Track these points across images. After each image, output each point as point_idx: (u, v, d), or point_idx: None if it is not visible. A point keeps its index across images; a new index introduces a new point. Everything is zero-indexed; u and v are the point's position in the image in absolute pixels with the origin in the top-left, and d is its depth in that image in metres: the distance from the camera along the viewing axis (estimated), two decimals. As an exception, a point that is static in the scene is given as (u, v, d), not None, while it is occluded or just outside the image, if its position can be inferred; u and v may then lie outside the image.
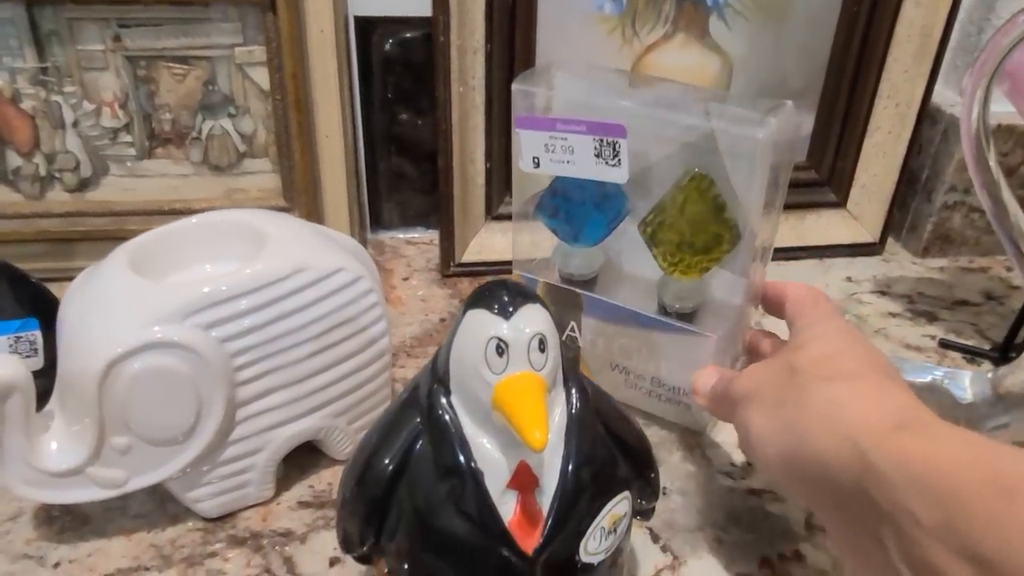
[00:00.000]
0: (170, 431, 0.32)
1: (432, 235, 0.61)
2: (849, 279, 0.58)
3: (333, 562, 0.35)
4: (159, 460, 0.33)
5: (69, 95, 0.50)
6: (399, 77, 0.56)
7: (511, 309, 0.24)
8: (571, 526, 0.26)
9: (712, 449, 0.42)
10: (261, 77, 0.51)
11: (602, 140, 0.35)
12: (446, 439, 0.25)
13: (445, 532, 0.25)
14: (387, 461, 0.26)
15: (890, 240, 0.62)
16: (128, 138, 0.51)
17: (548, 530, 0.25)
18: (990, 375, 0.37)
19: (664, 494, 0.38)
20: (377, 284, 0.38)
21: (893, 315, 0.54)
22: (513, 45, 0.51)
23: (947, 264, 0.61)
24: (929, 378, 0.39)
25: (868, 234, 0.61)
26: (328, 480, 0.39)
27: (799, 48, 0.55)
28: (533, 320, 0.25)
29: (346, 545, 0.28)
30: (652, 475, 0.30)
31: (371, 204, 0.60)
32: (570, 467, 0.26)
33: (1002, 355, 0.49)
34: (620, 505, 0.28)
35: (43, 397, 0.32)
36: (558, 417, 0.26)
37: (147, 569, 0.34)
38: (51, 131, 0.51)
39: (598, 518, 0.27)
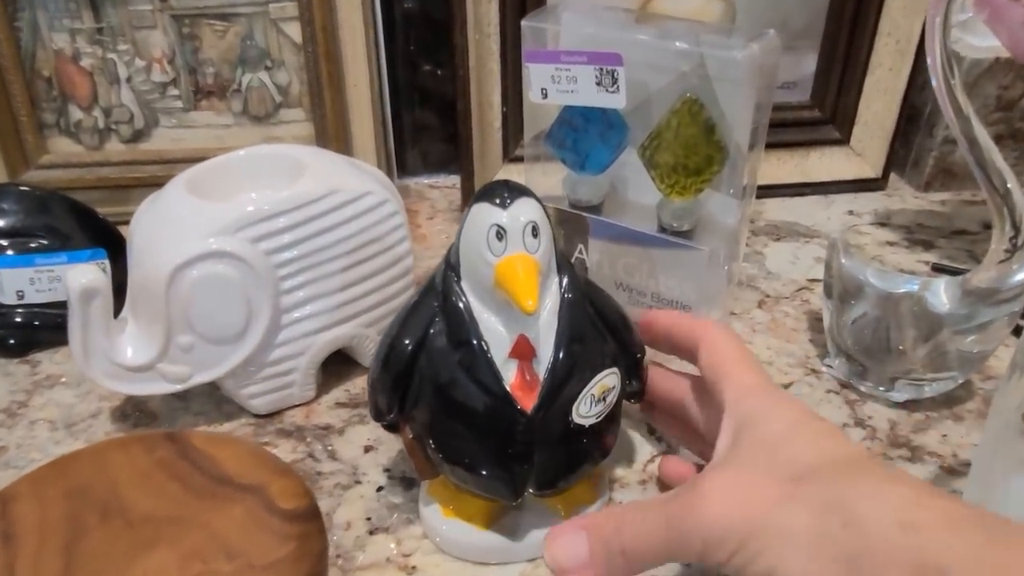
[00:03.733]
0: (225, 330, 0.37)
1: (454, 180, 0.65)
2: (851, 212, 0.61)
3: (368, 449, 0.40)
4: (217, 358, 0.38)
5: (123, 53, 0.55)
6: (420, 31, 0.60)
7: (509, 201, 0.29)
8: (565, 391, 0.30)
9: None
10: (294, 31, 0.55)
11: (602, 69, 0.39)
12: (458, 317, 0.30)
13: (458, 397, 0.30)
14: (407, 341, 0.31)
15: (893, 176, 0.64)
16: (176, 92, 0.56)
17: (544, 392, 0.30)
18: (960, 279, 0.40)
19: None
20: (402, 208, 0.42)
21: (890, 243, 0.57)
22: (526, -7, 0.54)
23: (949, 198, 0.63)
24: (905, 289, 0.42)
25: (871, 170, 0.63)
26: (361, 385, 0.44)
27: (800, -11, 0.58)
28: (527, 210, 0.29)
29: (376, 414, 0.33)
30: (638, 355, 0.34)
31: (396, 152, 0.65)
32: (563, 340, 0.30)
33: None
34: (608, 378, 0.32)
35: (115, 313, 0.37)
36: (552, 299, 0.30)
37: (209, 453, 0.39)
38: (107, 86, 0.56)
39: (588, 386, 0.31)
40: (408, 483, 0.37)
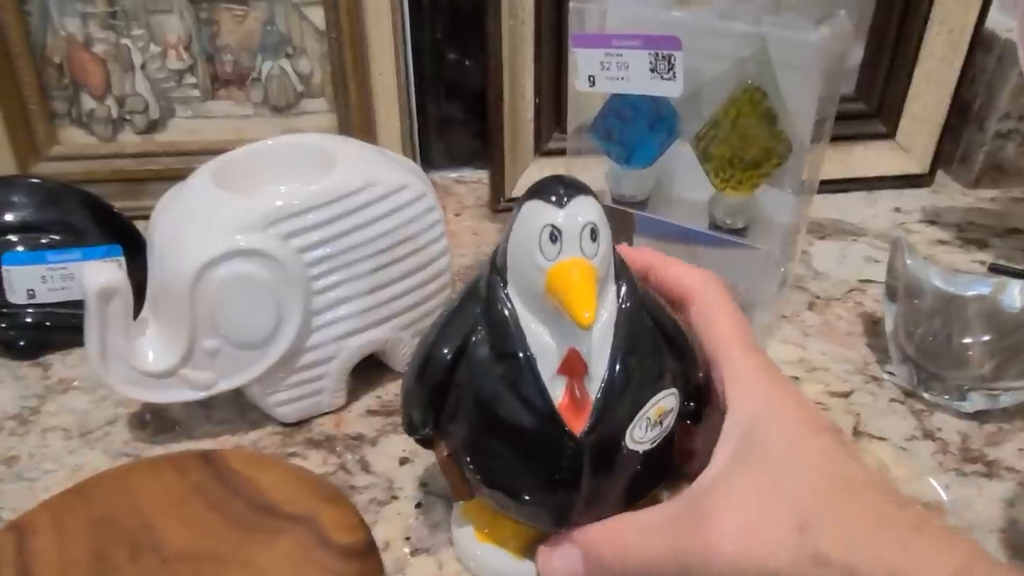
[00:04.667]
0: (253, 334, 0.35)
1: (480, 174, 0.63)
2: (897, 210, 0.58)
3: (403, 461, 0.37)
4: (244, 363, 0.36)
5: (137, 38, 0.52)
6: (446, 18, 0.57)
7: (565, 199, 0.25)
8: (618, 412, 0.27)
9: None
10: (317, 16, 0.53)
11: (657, 54, 0.36)
12: (502, 326, 0.27)
13: (500, 414, 0.27)
14: (446, 350, 0.28)
15: (940, 172, 0.61)
16: (192, 80, 0.54)
17: (595, 413, 0.26)
18: (1041, 284, 0.38)
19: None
20: (437, 203, 0.39)
21: (942, 242, 0.55)
22: (562, -22, 0.52)
23: (999, 195, 0.60)
24: (978, 291, 0.39)
25: (917, 165, 0.60)
26: (393, 391, 0.41)
27: (849, -25, 0.55)
28: (586, 210, 0.26)
29: (409, 427, 0.30)
30: (699, 376, 0.30)
31: (421, 144, 0.62)
32: (618, 356, 0.27)
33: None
34: (667, 400, 0.28)
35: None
36: (608, 310, 0.27)
37: (235, 465, 0.37)
38: (121, 74, 0.53)
39: (644, 408, 0.27)
40: (449, 500, 0.35)
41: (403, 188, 0.37)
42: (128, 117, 0.54)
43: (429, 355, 0.28)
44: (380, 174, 0.37)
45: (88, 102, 0.54)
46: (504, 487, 0.29)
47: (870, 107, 0.60)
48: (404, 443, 0.38)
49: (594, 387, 0.27)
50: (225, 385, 0.36)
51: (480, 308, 0.28)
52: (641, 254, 0.31)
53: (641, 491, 0.30)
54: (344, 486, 0.36)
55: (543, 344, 0.27)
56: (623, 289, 0.28)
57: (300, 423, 0.39)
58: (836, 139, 0.60)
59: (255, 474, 0.27)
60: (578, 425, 0.26)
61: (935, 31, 0.56)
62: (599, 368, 0.27)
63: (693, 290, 0.29)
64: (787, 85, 0.37)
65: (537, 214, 0.26)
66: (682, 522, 0.25)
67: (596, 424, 0.26)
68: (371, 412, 0.40)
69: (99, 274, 0.32)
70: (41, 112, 0.53)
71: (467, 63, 0.59)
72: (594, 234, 0.26)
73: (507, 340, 0.27)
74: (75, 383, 0.42)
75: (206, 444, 0.38)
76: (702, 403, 0.31)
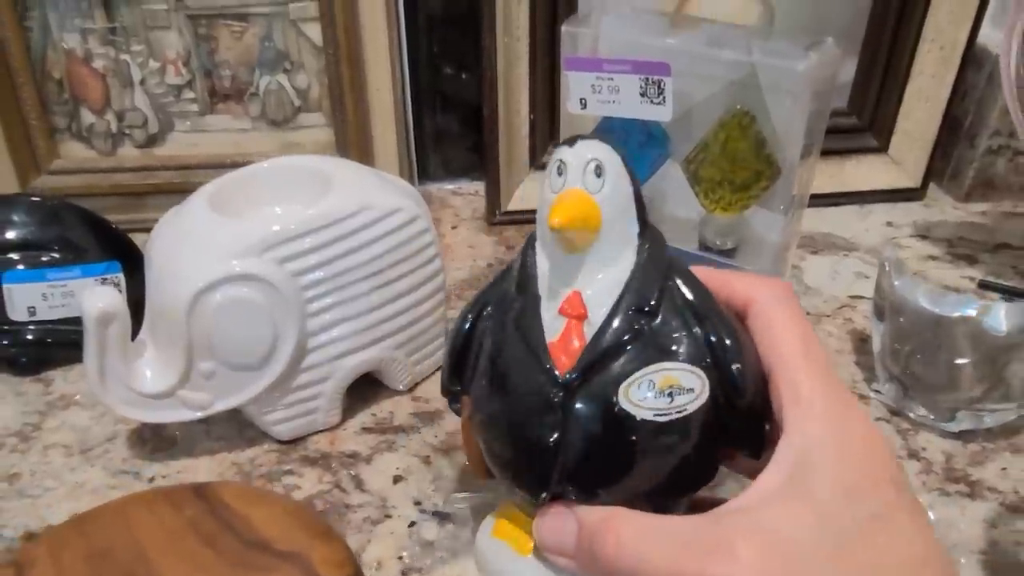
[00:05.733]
0: (249, 357, 0.35)
1: (477, 186, 0.63)
2: (889, 224, 0.59)
3: (397, 479, 0.38)
4: (240, 384, 0.36)
5: (136, 54, 0.53)
6: (444, 33, 0.58)
7: (578, 140, 0.26)
8: (612, 364, 0.25)
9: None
10: (314, 33, 0.53)
11: (647, 79, 0.37)
12: (523, 271, 0.27)
13: (501, 354, 0.27)
14: (472, 310, 0.28)
15: (932, 186, 0.62)
16: (191, 94, 0.54)
17: (584, 356, 0.25)
18: (1026, 306, 0.38)
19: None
20: (432, 225, 0.40)
21: (933, 258, 0.55)
22: (557, -5, 0.52)
23: (989, 209, 0.61)
24: (964, 312, 0.40)
25: (909, 180, 0.61)
26: (388, 409, 0.42)
27: (841, -8, 0.55)
28: (595, 148, 0.26)
29: (443, 388, 0.30)
30: (735, 367, 0.25)
31: (418, 157, 0.62)
32: (622, 306, 0.25)
33: (1043, 295, 0.49)
34: (682, 375, 0.25)
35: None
36: (621, 266, 0.26)
37: (231, 482, 0.37)
38: (120, 89, 0.54)
39: (648, 368, 0.25)
40: (442, 518, 0.36)
41: (397, 211, 0.37)
42: (127, 131, 0.55)
43: (462, 311, 0.29)
44: (374, 197, 0.37)
45: (88, 116, 0.54)
46: (493, 436, 0.27)
47: (863, 122, 0.60)
48: (398, 461, 0.39)
49: (591, 332, 0.25)
50: (221, 406, 0.36)
51: (508, 270, 0.28)
52: (719, 274, 0.28)
53: (638, 470, 0.25)
54: (339, 504, 0.36)
55: (553, 288, 0.26)
56: (645, 241, 0.26)
57: (296, 440, 0.40)
58: (829, 153, 0.61)
59: (248, 510, 0.27)
60: (565, 366, 0.25)
61: (927, 48, 0.56)
62: (600, 316, 0.25)
63: (753, 296, 0.26)
64: (776, 110, 0.37)
65: (553, 156, 0.26)
66: (694, 542, 0.22)
67: (583, 368, 0.25)
68: (366, 430, 0.41)
69: (98, 299, 0.32)
70: (41, 126, 0.53)
71: (464, 76, 0.60)
72: (599, 170, 0.25)
73: (518, 282, 0.27)
74: (76, 398, 0.42)
75: (204, 460, 0.39)
76: (740, 395, 0.26)
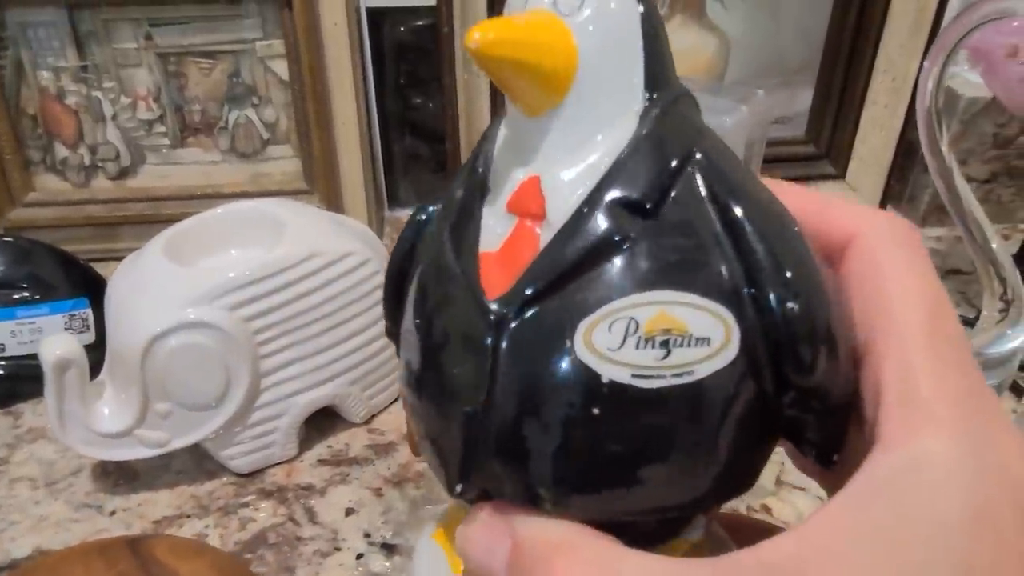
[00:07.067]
0: (204, 398, 0.37)
1: (445, 212, 0.65)
2: (845, 250, 0.61)
3: (349, 512, 0.39)
4: (196, 423, 0.38)
5: (108, 90, 0.54)
6: (410, 64, 0.59)
7: None
8: (570, 286, 0.15)
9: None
10: (281, 68, 0.55)
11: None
12: (472, 157, 0.18)
13: (427, 279, 0.18)
14: (407, 228, 0.21)
15: (890, 210, 0.64)
16: (162, 129, 0.56)
17: (528, 271, 0.16)
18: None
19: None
20: (383, 267, 0.42)
21: (884, 285, 0.57)
22: (515, 32, 0.54)
23: (944, 234, 0.62)
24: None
25: (867, 204, 0.62)
26: (344, 440, 0.44)
27: (796, 26, 0.57)
28: None
29: (386, 331, 0.22)
30: (797, 313, 0.15)
31: (388, 184, 0.64)
32: (599, 194, 0.16)
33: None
34: (695, 315, 0.15)
35: (95, 367, 0.37)
36: (616, 134, 0.16)
37: (188, 516, 0.39)
38: (93, 124, 0.55)
39: (627, 299, 0.15)
40: (388, 549, 0.37)
41: (346, 256, 0.39)
42: (100, 164, 0.56)
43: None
44: (326, 243, 0.39)
45: (61, 150, 0.56)
46: (409, 395, 0.18)
47: (820, 149, 0.62)
48: (351, 493, 0.40)
49: (547, 238, 0.16)
50: (179, 443, 0.38)
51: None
52: (809, 194, 0.18)
53: (627, 480, 0.16)
54: (291, 538, 0.38)
55: (503, 172, 0.17)
56: (656, 104, 0.17)
57: (254, 473, 0.41)
58: (787, 180, 0.62)
59: (178, 565, 0.29)
60: (498, 287, 0.16)
61: (879, 79, 0.58)
62: (564, 213, 0.16)
63: (857, 230, 0.17)
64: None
65: None
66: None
67: (528, 295, 0.16)
68: (322, 462, 0.42)
69: (56, 347, 0.34)
70: (16, 160, 0.55)
71: (430, 105, 0.61)
72: None
73: (469, 168, 0.18)
74: (45, 431, 0.44)
75: (164, 494, 0.40)
76: (811, 382, 0.16)
